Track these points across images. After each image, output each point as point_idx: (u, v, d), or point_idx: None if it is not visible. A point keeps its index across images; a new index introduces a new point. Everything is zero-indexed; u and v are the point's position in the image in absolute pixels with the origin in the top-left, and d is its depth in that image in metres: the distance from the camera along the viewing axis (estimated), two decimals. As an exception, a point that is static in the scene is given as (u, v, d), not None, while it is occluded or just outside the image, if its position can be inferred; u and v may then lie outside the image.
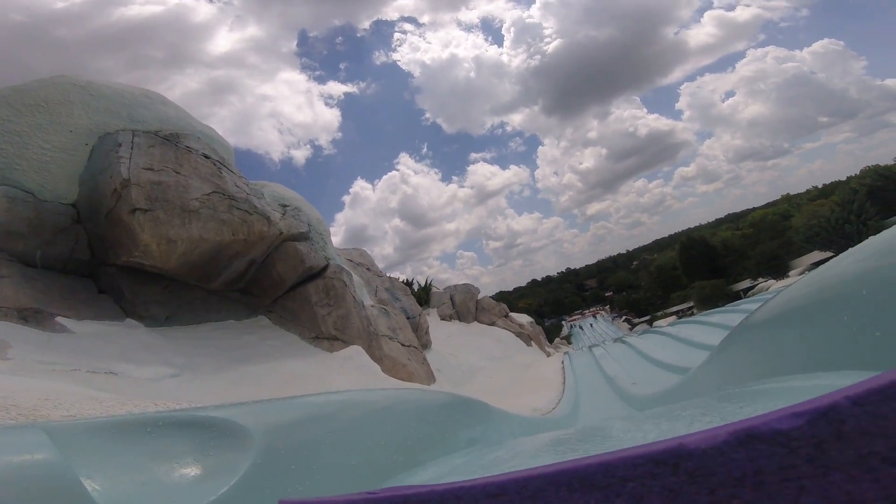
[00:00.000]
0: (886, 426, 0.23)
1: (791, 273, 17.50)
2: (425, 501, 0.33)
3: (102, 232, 5.18)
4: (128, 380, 3.57)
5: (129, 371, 3.72)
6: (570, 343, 29.45)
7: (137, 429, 0.93)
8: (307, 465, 0.91)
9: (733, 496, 0.24)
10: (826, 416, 0.24)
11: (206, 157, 5.85)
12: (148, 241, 4.89)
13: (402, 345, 8.51)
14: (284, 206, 6.90)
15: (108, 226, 5.09)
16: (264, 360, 5.02)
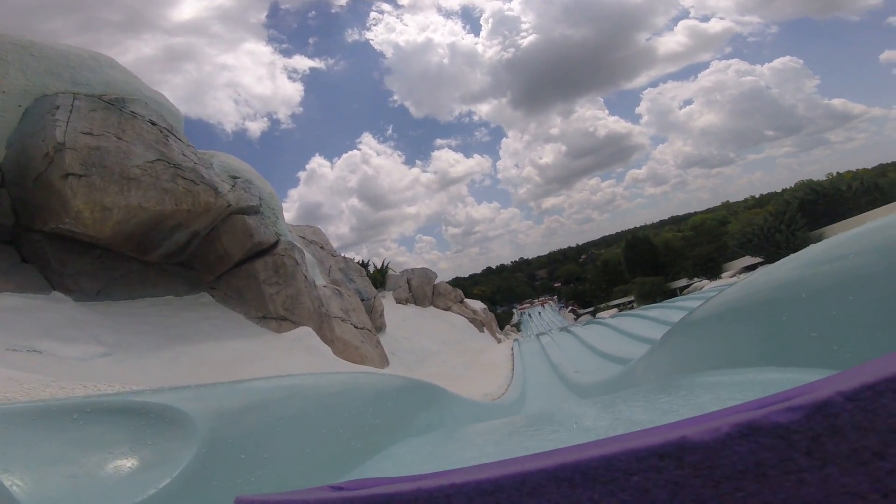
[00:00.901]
0: (877, 422, 0.24)
1: (723, 275, 18.95)
2: (411, 502, 0.31)
3: (29, 196, 4.71)
4: (53, 359, 3.25)
5: (55, 349, 3.39)
6: (519, 330, 30.39)
7: (62, 415, 0.83)
8: (258, 454, 0.86)
9: (737, 489, 0.24)
10: (822, 411, 0.25)
11: (153, 123, 5.50)
12: (80, 207, 4.52)
13: (356, 327, 8.40)
14: (235, 177, 6.59)
15: (36, 190, 4.63)
16: (206, 339, 4.76)
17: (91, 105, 5.09)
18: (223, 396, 0.98)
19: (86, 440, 0.79)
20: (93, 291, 5.01)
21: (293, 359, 5.04)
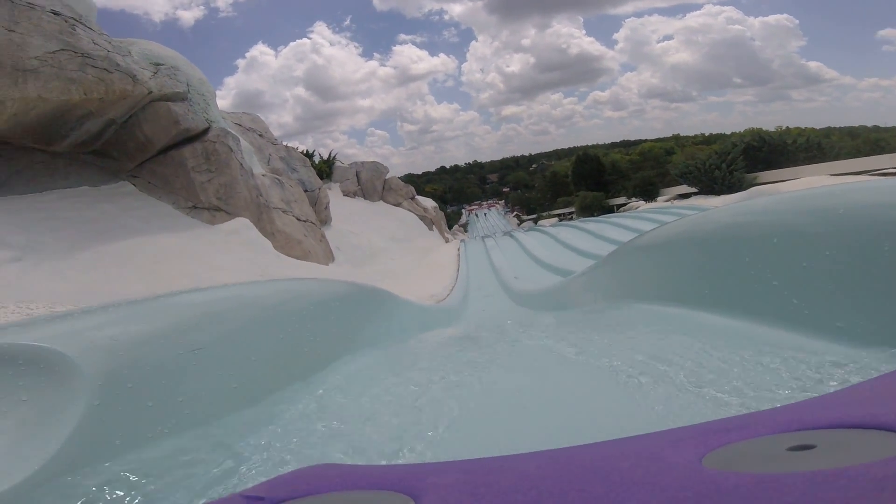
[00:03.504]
0: None
1: (659, 199, 20.19)
2: None
3: None
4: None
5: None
6: (466, 231, 31.18)
7: None
8: (170, 397, 0.73)
9: None
10: None
11: (56, 13, 5.07)
12: (-35, 102, 4.10)
13: (298, 219, 8.08)
14: (157, 64, 6.13)
15: None
16: (130, 234, 4.33)
17: (-27, -2, 4.42)
18: (116, 325, 0.78)
19: None
20: (-10, 187, 4.50)
21: (230, 254, 4.79)
